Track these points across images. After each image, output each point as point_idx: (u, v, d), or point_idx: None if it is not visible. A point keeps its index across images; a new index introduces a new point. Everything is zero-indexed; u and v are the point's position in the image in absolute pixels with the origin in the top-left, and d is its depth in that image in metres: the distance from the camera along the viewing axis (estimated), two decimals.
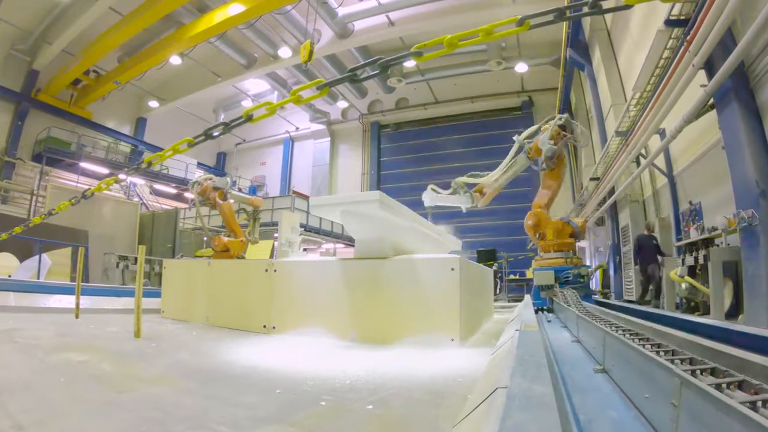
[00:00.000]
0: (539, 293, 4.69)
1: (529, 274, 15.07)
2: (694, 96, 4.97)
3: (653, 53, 6.28)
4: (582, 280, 4.64)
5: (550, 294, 4.51)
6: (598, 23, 10.79)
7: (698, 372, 1.06)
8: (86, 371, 2.08)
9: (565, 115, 5.01)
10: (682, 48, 5.17)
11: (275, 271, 3.95)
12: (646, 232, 7.70)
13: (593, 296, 5.20)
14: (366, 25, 14.49)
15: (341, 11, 14.11)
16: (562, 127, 4.92)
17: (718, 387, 0.90)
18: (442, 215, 18.00)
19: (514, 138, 5.39)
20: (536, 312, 4.07)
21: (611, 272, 10.28)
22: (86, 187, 9.71)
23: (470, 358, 2.54)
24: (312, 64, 12.29)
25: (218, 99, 21.62)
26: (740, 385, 0.90)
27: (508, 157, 5.41)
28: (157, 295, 5.17)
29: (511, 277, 16.00)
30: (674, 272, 5.91)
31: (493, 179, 5.52)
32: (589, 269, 5.15)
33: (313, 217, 15.14)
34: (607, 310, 2.88)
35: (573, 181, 17.12)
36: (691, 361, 1.19)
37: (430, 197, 5.75)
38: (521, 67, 16.92)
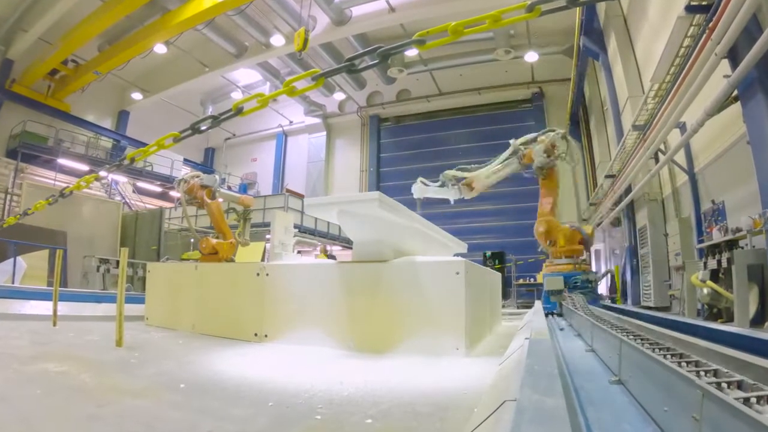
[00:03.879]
0: (549, 297, 5.29)
1: (539, 278, 15.09)
2: (717, 87, 4.96)
3: (673, 41, 6.27)
4: (590, 285, 5.45)
5: (560, 298, 5.09)
6: (614, 9, 10.78)
7: (722, 384, 1.06)
8: (65, 383, 2.09)
9: (564, 131, 6.10)
10: (704, 36, 5.17)
11: (267, 275, 3.95)
12: None
13: (601, 301, 5.88)
14: (365, 11, 14.49)
15: None
16: (563, 136, 5.89)
17: (743, 401, 0.90)
18: (444, 216, 18.01)
19: (510, 141, 6.20)
20: (546, 316, 4.35)
21: (628, 276, 10.29)
22: (64, 185, 9.70)
23: (476, 369, 2.54)
24: (307, 53, 12.29)
25: (206, 90, 21.63)
26: None
27: (502, 157, 6.16)
28: (141, 301, 5.17)
29: (521, 281, 16.01)
30: (695, 276, 5.91)
31: (484, 176, 6.18)
32: (597, 275, 5.65)
33: (308, 217, 15.15)
34: (619, 316, 3.33)
35: (587, 179, 17.13)
36: (715, 372, 1.19)
37: (420, 190, 6.42)
38: (531, 57, 16.92)
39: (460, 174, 6.33)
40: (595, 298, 5.33)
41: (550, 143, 5.73)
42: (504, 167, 6.12)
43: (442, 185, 6.40)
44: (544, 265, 5.86)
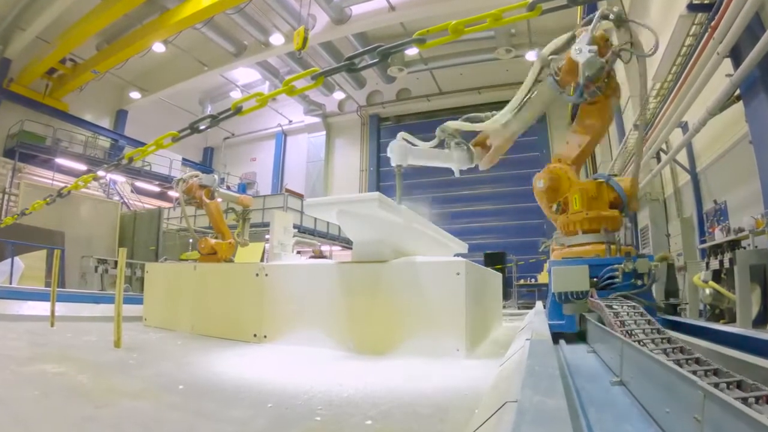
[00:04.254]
0: (559, 306, 2.94)
1: (541, 278, 15.05)
2: (719, 86, 4.97)
3: (675, 40, 6.28)
4: (640, 283, 2.84)
5: (581, 309, 2.83)
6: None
7: (723, 384, 1.06)
8: (62, 384, 2.09)
9: (617, 8, 3.30)
10: (706, 35, 5.18)
11: (266, 275, 3.95)
12: None
13: (659, 313, 3.02)
14: (365, 9, 14.49)
15: None
16: (617, 21, 3.11)
17: (744, 401, 0.90)
18: (445, 216, 18.01)
19: (535, 52, 3.90)
20: (555, 341, 2.53)
21: None
22: (62, 184, 9.71)
23: (477, 370, 2.54)
24: (306, 52, 12.30)
25: (205, 90, 21.64)
26: None
27: (524, 86, 3.63)
28: (139, 301, 5.17)
29: (522, 281, 16.00)
30: (697, 277, 5.92)
31: (501, 123, 3.82)
32: (652, 263, 2.94)
33: (307, 217, 15.15)
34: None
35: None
36: (716, 372, 1.20)
37: (401, 151, 4.12)
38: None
39: (467, 126, 4.02)
40: (650, 307, 2.66)
41: (600, 35, 3.15)
42: (530, 101, 3.73)
43: (441, 145, 4.23)
44: (551, 248, 3.86)
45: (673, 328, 2.47)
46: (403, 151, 4.15)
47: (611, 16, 3.17)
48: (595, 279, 2.88)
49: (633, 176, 3.64)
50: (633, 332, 1.84)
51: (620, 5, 10.60)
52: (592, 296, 2.76)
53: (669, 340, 1.72)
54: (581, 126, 3.58)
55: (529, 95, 3.69)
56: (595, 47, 3.05)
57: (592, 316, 2.59)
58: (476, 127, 3.98)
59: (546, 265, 4.20)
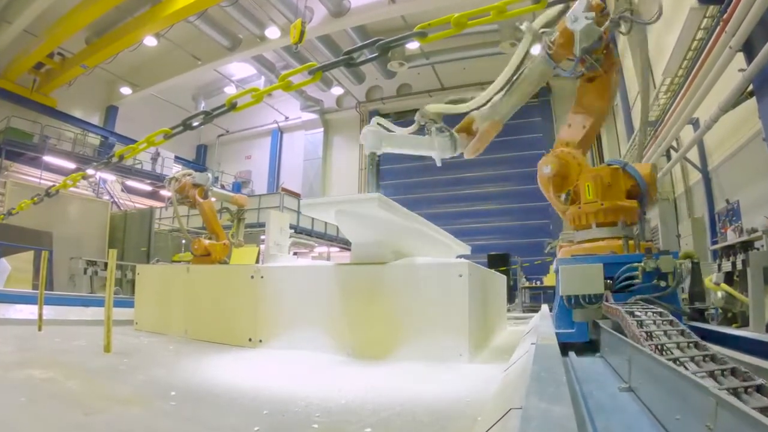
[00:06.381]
0: (568, 312, 2.60)
1: (547, 280, 15.04)
2: (732, 82, 4.97)
3: (685, 34, 6.28)
4: (664, 284, 2.47)
5: (594, 315, 2.49)
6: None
7: (738, 389, 1.05)
8: (50, 390, 2.08)
9: None
10: (718, 28, 5.18)
11: (262, 277, 3.95)
12: None
13: (685, 319, 2.65)
14: (364, 2, 14.50)
15: None
16: None
17: (759, 409, 0.90)
18: (447, 216, 18.01)
19: (522, 26, 3.29)
20: (564, 353, 2.26)
21: None
22: (50, 183, 9.70)
23: (480, 375, 2.54)
24: (303, 45, 12.30)
25: (198, 85, 21.65)
26: None
27: (512, 63, 3.36)
28: (130, 304, 5.16)
29: (527, 284, 16.00)
30: (709, 279, 5.92)
31: (488, 106, 3.52)
32: (677, 260, 2.62)
33: (304, 217, 15.16)
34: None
35: None
36: (732, 371, 1.19)
37: (375, 138, 3.62)
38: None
39: (450, 109, 3.57)
40: (676, 312, 2.29)
41: (597, 3, 2.93)
42: (521, 78, 3.46)
43: (421, 131, 3.72)
44: (558, 244, 3.87)
45: (702, 338, 1.73)
46: (377, 137, 3.64)
47: None
48: (610, 280, 2.50)
49: (652, 162, 3.29)
50: (665, 347, 1.49)
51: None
52: (607, 300, 2.37)
53: (713, 358, 1.34)
54: (581, 106, 3.33)
55: (518, 73, 3.42)
56: (592, 14, 2.85)
57: (607, 324, 2.25)
58: (460, 109, 3.56)
59: (552, 266, 4.03)
